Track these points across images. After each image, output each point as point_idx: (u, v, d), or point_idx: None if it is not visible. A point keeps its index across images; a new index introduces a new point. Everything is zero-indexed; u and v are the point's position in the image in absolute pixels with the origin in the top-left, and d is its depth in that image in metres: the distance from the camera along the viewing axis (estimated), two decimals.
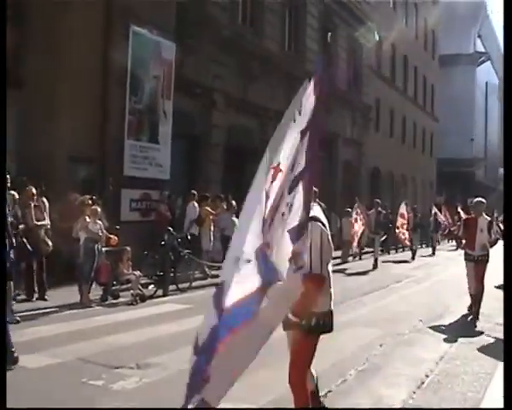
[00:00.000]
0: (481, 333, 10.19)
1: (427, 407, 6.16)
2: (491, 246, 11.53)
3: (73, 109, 14.77)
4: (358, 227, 23.01)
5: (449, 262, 23.89)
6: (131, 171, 16.94)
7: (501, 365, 8.00)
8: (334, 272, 4.55)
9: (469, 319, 11.62)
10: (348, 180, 33.80)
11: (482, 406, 6.23)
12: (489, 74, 70.95)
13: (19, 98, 13.50)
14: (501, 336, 9.83)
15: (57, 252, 12.38)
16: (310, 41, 29.03)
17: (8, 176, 9.39)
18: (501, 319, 11.06)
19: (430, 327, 10.49)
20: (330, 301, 4.73)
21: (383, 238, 27.21)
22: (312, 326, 4.63)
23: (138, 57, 17.06)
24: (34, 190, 11.72)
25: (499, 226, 13.18)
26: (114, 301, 12.30)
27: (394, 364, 7.88)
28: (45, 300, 11.70)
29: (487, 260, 11.51)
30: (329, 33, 30.30)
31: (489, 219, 11.73)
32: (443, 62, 55.94)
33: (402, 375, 7.33)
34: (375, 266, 21.43)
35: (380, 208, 24.00)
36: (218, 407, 3.44)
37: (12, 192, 10.65)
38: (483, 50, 65.35)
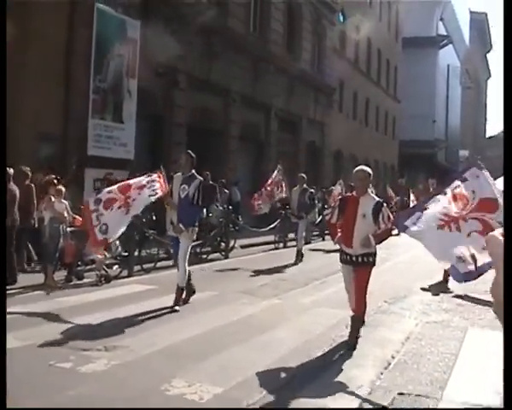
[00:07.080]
0: (445, 313, 10.30)
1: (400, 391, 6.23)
2: (380, 241, 7.73)
3: (37, 88, 14.56)
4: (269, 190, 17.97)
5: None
6: (95, 150, 16.79)
7: (465, 344, 8.18)
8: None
9: (433, 296, 11.69)
10: (311, 161, 33.93)
11: (449, 385, 6.33)
12: (451, 57, 71.60)
13: None
14: (463, 315, 10.05)
15: (21, 232, 12.21)
16: (274, 22, 28.98)
17: None
18: (463, 300, 11.31)
19: (395, 308, 10.61)
20: None
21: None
22: None
23: (103, 35, 16.87)
24: (11, 171, 11.48)
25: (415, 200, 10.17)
26: (79, 282, 12.19)
27: (361, 345, 7.95)
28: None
29: (373, 264, 7.93)
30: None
31: (377, 199, 7.98)
32: (406, 45, 56.36)
33: (368, 356, 7.41)
34: (296, 261, 16.61)
35: (305, 185, 17.69)
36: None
37: None
38: (445, 33, 65.87)
